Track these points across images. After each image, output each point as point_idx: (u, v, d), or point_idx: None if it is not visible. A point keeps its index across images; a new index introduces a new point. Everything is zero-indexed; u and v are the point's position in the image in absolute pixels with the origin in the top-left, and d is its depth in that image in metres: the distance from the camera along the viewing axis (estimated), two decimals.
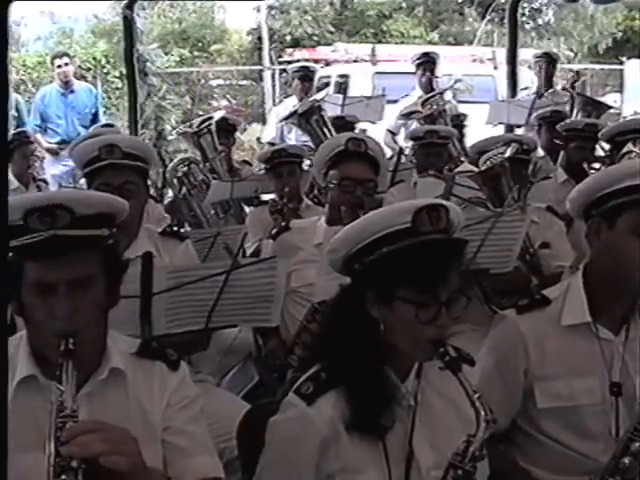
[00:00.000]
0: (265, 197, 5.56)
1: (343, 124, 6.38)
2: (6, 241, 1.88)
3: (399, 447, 2.08)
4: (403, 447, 2.08)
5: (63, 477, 1.78)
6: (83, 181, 6.02)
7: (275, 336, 3.64)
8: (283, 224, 3.93)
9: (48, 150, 8.18)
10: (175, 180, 6.14)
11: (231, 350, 3.82)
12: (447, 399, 2.16)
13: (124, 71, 12.41)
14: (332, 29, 17.87)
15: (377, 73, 12.76)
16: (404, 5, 18.81)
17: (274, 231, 3.90)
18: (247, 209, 5.89)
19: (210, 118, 6.83)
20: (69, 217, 1.97)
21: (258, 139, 12.05)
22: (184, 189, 6.14)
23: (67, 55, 8.55)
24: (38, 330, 2.04)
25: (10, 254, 2.00)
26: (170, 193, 6.32)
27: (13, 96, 8.66)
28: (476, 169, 4.35)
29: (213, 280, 2.80)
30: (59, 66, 8.32)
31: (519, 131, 7.43)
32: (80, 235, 1.98)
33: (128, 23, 7.94)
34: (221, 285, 2.80)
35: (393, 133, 7.82)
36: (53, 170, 8.01)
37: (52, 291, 1.98)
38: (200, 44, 16.59)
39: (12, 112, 8.21)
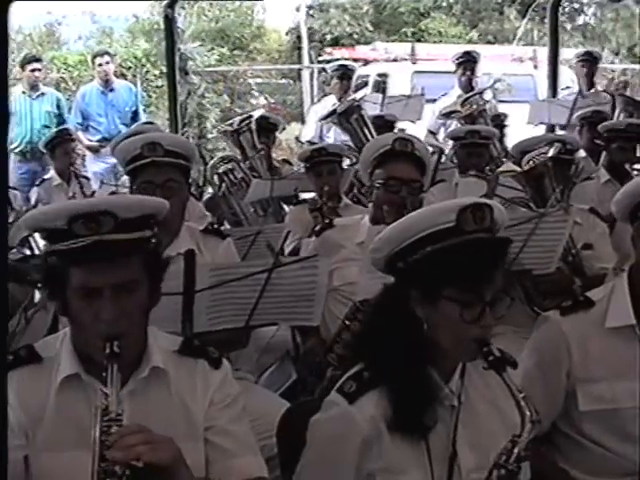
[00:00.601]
0: (304, 196, 5.57)
1: (382, 123, 6.38)
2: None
3: (441, 448, 2.06)
4: (445, 448, 2.07)
5: None
6: (124, 178, 6.11)
7: (314, 334, 3.63)
8: (327, 221, 3.92)
9: (89, 148, 8.26)
10: (215, 178, 6.17)
11: (269, 348, 3.82)
12: (490, 401, 2.15)
13: (164, 70, 12.53)
14: (371, 28, 17.84)
15: (416, 72, 12.69)
16: (443, 4, 18.72)
17: (317, 228, 3.89)
18: (286, 208, 5.90)
19: (250, 117, 6.86)
20: (113, 222, 1.98)
21: (296, 138, 12.06)
22: (224, 187, 6.18)
23: (108, 54, 8.61)
24: (83, 331, 2.06)
25: (54, 257, 2.03)
26: (210, 191, 6.35)
27: (54, 94, 8.74)
28: (519, 169, 4.32)
29: (255, 278, 2.80)
30: (100, 64, 8.39)
31: (560, 131, 7.36)
32: (124, 239, 1.99)
33: (169, 22, 7.99)
34: (263, 283, 2.80)
35: (433, 133, 7.79)
36: (94, 167, 8.08)
37: (97, 295, 1.99)
38: (239, 43, 16.64)
39: (53, 110, 8.30)
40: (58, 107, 8.39)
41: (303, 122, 13.21)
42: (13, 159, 8.16)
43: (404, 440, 2.03)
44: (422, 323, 2.04)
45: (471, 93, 7.31)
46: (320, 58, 15.67)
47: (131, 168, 3.28)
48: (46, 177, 6.76)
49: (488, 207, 2.05)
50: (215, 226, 4.10)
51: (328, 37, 17.15)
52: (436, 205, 2.16)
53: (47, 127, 8.09)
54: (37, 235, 5.47)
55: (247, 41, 16.94)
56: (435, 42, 17.39)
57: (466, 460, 2.08)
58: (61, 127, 7.12)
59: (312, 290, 2.90)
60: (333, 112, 6.62)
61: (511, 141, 6.05)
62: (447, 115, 7.38)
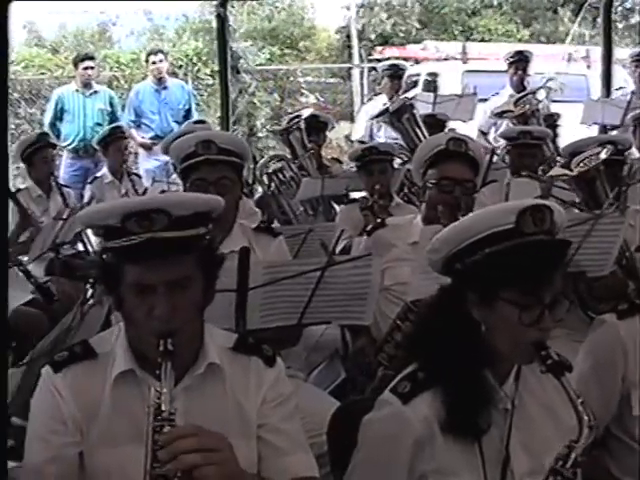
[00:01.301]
0: (354, 195, 5.57)
1: (434, 122, 6.36)
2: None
3: (494, 451, 2.05)
4: (498, 452, 2.05)
5: None
6: (175, 176, 6.16)
7: (364, 334, 3.63)
8: (379, 220, 3.92)
9: (142, 145, 8.35)
10: (265, 177, 6.20)
11: (318, 346, 3.83)
12: (544, 405, 2.13)
13: (215, 68, 12.61)
14: (419, 26, 17.76)
15: (467, 71, 12.61)
16: (494, 2, 18.56)
17: (369, 227, 3.89)
18: (336, 207, 5.91)
19: (299, 116, 6.87)
20: (166, 220, 1.98)
21: (346, 137, 12.06)
22: (273, 185, 6.20)
23: (161, 52, 8.69)
24: (137, 328, 2.07)
25: (109, 254, 2.05)
26: (259, 190, 6.37)
27: (107, 92, 8.83)
28: (569, 172, 4.27)
29: (308, 276, 2.80)
30: (153, 62, 8.47)
31: (613, 131, 7.26)
32: (178, 237, 1.99)
33: (221, 21, 8.03)
34: (316, 281, 2.80)
35: (484, 132, 7.74)
36: (146, 165, 8.17)
37: (151, 292, 2.00)
38: (289, 42, 16.69)
39: (106, 107, 8.39)
40: (111, 105, 8.49)
41: (353, 121, 13.22)
42: (65, 156, 8.27)
43: (457, 442, 2.01)
44: (479, 325, 2.02)
45: (523, 93, 7.24)
46: (370, 57, 15.64)
47: (185, 166, 3.29)
48: (98, 175, 6.84)
49: (548, 209, 2.03)
50: (267, 224, 4.10)
51: (377, 36, 17.11)
52: (496, 206, 2.14)
53: (100, 125, 8.19)
54: (89, 231, 5.57)
55: (297, 40, 16.97)
56: (484, 40, 17.25)
57: (519, 464, 2.06)
58: (114, 125, 7.19)
59: (365, 289, 2.89)
60: (385, 111, 6.62)
61: (564, 141, 5.99)
62: (499, 115, 7.31)
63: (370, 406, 2.16)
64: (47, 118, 8.55)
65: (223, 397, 2.15)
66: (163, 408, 1.87)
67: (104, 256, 2.06)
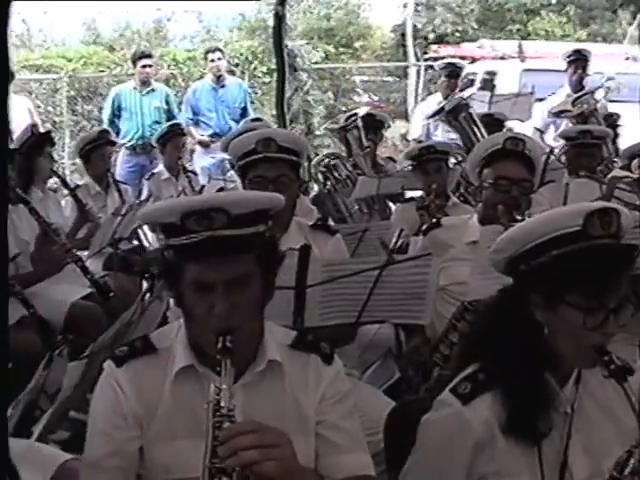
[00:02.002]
0: (410, 194, 5.55)
1: (492, 121, 6.31)
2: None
3: (554, 455, 2.02)
4: (558, 455, 2.02)
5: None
6: (231, 173, 6.20)
7: (419, 333, 3.61)
8: (434, 220, 3.90)
9: (200, 142, 8.41)
10: (320, 175, 6.21)
11: (371, 345, 3.82)
12: (605, 409, 2.10)
13: (271, 66, 12.65)
14: (475, 26, 17.63)
15: (524, 70, 12.47)
16: (552, 1, 18.34)
17: (425, 227, 3.87)
18: (392, 205, 5.90)
19: (356, 114, 6.88)
20: (225, 218, 1.98)
21: (401, 136, 12.01)
22: (329, 184, 6.22)
23: (220, 50, 8.73)
24: (196, 325, 2.08)
25: (170, 251, 2.05)
26: (315, 187, 6.39)
27: (164, 89, 8.90)
28: (631, 174, 4.21)
29: (367, 275, 2.80)
30: (212, 60, 8.52)
31: None
32: (237, 235, 1.99)
33: (278, 19, 8.05)
34: (374, 280, 2.80)
35: (541, 132, 7.66)
36: (202, 162, 8.22)
37: (210, 289, 2.00)
38: (344, 40, 16.67)
39: (163, 105, 8.46)
40: (168, 103, 8.55)
41: (408, 120, 13.16)
42: (122, 153, 8.36)
43: (517, 445, 2.00)
44: (542, 327, 2.00)
45: (582, 92, 7.16)
46: (426, 56, 15.56)
47: (244, 163, 3.31)
48: (155, 171, 6.90)
49: (615, 212, 2.00)
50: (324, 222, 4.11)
51: (433, 35, 17.02)
52: (563, 208, 2.13)
53: (157, 123, 8.27)
54: (146, 227, 5.64)
55: (353, 39, 16.96)
56: (544, 39, 17.04)
57: (579, 468, 2.03)
58: (172, 122, 7.25)
59: (423, 289, 2.88)
60: (441, 110, 6.60)
61: (624, 141, 5.91)
62: (557, 114, 7.24)
63: (427, 406, 2.15)
64: (105, 115, 8.66)
65: (282, 394, 2.15)
66: (222, 404, 1.88)
67: (165, 253, 2.07)
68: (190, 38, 15.96)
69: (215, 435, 1.84)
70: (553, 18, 18.21)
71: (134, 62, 8.65)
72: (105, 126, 8.08)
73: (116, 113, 8.45)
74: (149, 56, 8.64)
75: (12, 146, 4.81)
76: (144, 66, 8.40)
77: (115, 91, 8.71)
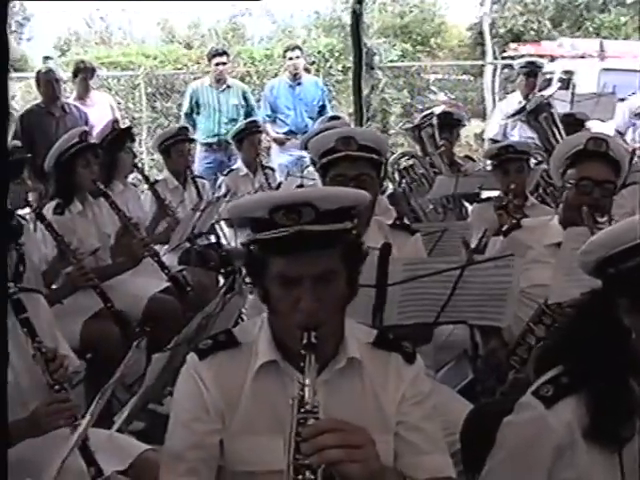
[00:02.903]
0: (487, 194, 5.50)
1: (573, 121, 6.22)
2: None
3: (633, 463, 1.98)
4: (635, 462, 1.99)
5: (306, 475, 1.81)
6: (308, 170, 6.22)
7: (496, 335, 3.57)
8: (514, 221, 3.85)
9: (275, 140, 8.46)
10: (396, 173, 6.19)
11: (445, 346, 3.80)
12: None
13: (347, 65, 12.65)
14: (550, 24, 17.35)
15: (603, 70, 12.24)
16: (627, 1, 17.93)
17: (505, 227, 3.83)
18: (467, 205, 5.85)
19: (432, 112, 6.84)
20: (314, 213, 1.99)
21: (477, 135, 11.89)
22: (404, 183, 6.20)
23: (298, 48, 8.76)
24: (281, 319, 2.09)
25: (256, 246, 2.07)
26: (390, 186, 6.37)
27: (240, 86, 8.95)
28: None
29: (447, 275, 2.78)
30: (290, 58, 8.57)
31: None
32: (324, 230, 1.99)
33: (356, 17, 8.04)
34: (455, 280, 2.78)
35: (621, 133, 7.51)
36: (279, 159, 8.27)
37: (296, 284, 2.01)
38: (420, 38, 16.59)
39: (240, 102, 8.53)
40: (245, 100, 8.61)
41: (484, 119, 13.03)
42: (199, 149, 8.46)
43: (598, 451, 1.96)
44: (629, 332, 1.96)
45: None
46: (504, 54, 15.37)
47: (324, 161, 3.32)
48: (233, 167, 6.96)
49: None
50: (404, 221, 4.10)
51: (508, 33, 16.81)
52: None
53: (234, 120, 8.34)
54: (223, 223, 5.70)
55: (428, 37, 16.87)
56: (618, 38, 16.68)
57: None
58: (250, 119, 7.30)
59: (504, 290, 2.85)
60: (522, 109, 6.51)
61: None
62: (639, 115, 7.10)
63: (506, 409, 2.13)
64: (184, 111, 8.76)
65: (362, 392, 2.15)
66: (306, 401, 1.88)
67: (251, 247, 2.08)
68: (267, 39, 16.06)
69: (298, 431, 1.84)
70: (624, 15, 17.78)
71: (209, 60, 8.74)
72: (182, 122, 8.19)
73: (194, 109, 8.54)
74: (224, 54, 8.70)
75: (94, 141, 4.91)
76: (218, 64, 8.47)
77: (192, 87, 8.80)
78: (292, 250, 1.99)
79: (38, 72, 7.65)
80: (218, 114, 8.46)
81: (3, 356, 1.56)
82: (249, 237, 2.10)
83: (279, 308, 2.07)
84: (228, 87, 8.57)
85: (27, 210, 4.39)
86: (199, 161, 8.34)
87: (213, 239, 5.98)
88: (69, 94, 8.47)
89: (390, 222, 3.50)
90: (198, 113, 8.53)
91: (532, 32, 16.96)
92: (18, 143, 4.64)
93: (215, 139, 8.41)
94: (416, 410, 2.18)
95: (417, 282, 2.77)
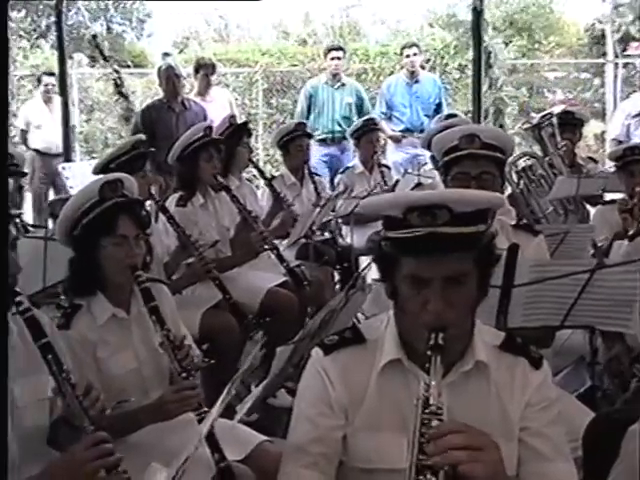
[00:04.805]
0: (610, 196, 5.36)
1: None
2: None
3: None
4: None
5: (427, 476, 1.80)
6: (425, 168, 6.19)
7: (619, 341, 3.49)
8: None
9: (391, 137, 8.44)
10: (514, 174, 6.10)
11: (562, 351, 3.74)
12: None
13: (462, 62, 12.54)
14: None
15: None
16: None
17: (631, 232, 3.73)
18: (589, 207, 5.73)
19: (551, 112, 6.70)
20: (448, 215, 1.97)
21: (596, 135, 11.60)
22: (522, 183, 6.09)
23: (416, 45, 8.71)
24: (408, 318, 2.08)
25: (388, 243, 2.06)
26: (508, 187, 6.27)
27: (355, 84, 8.95)
28: None
29: (575, 278, 2.73)
30: (407, 56, 8.53)
31: None
32: (458, 233, 1.97)
33: (477, 14, 7.96)
34: (583, 284, 2.72)
35: None
36: (394, 157, 8.25)
37: (426, 284, 2.00)
38: (537, 36, 16.30)
39: (354, 100, 8.54)
40: (359, 98, 8.62)
41: (603, 119, 12.70)
42: (313, 144, 8.51)
43: None
44: None
45: None
46: (625, 52, 14.94)
47: (447, 159, 3.30)
48: (349, 165, 6.97)
49: None
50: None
51: (626, 32, 16.33)
52: None
53: (347, 118, 8.37)
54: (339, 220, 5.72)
55: (546, 34, 16.54)
56: None
57: None
58: (368, 116, 7.29)
59: (633, 296, 2.77)
60: None
61: None
62: None
63: (631, 417, 2.07)
64: (299, 108, 8.83)
65: (487, 396, 2.13)
66: (431, 401, 1.88)
67: (382, 244, 2.09)
68: (385, 37, 16.03)
69: (422, 432, 1.84)
70: None
71: (325, 55, 8.79)
72: (296, 119, 8.25)
73: (309, 106, 8.60)
74: (339, 49, 8.74)
75: (214, 136, 4.99)
76: (333, 58, 8.50)
77: (309, 84, 8.87)
78: (424, 251, 1.98)
79: (159, 68, 7.83)
80: (332, 111, 8.50)
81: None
82: (381, 234, 2.10)
83: (407, 307, 2.06)
84: (343, 85, 8.60)
85: (149, 202, 4.50)
86: (313, 157, 8.38)
87: (328, 235, 6.02)
88: (187, 90, 8.66)
89: (513, 222, 3.45)
90: (312, 110, 8.58)
91: None
92: (143, 137, 4.74)
93: (329, 135, 8.44)
94: (541, 416, 2.14)
95: (543, 284, 2.73)
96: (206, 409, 2.72)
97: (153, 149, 4.82)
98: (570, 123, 6.33)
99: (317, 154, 8.36)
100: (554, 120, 6.41)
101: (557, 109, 7.00)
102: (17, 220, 4.43)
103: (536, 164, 6.23)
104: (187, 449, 2.03)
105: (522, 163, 6.33)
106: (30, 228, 4.76)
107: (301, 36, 15.92)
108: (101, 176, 3.14)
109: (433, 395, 1.88)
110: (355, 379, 2.15)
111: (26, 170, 5.99)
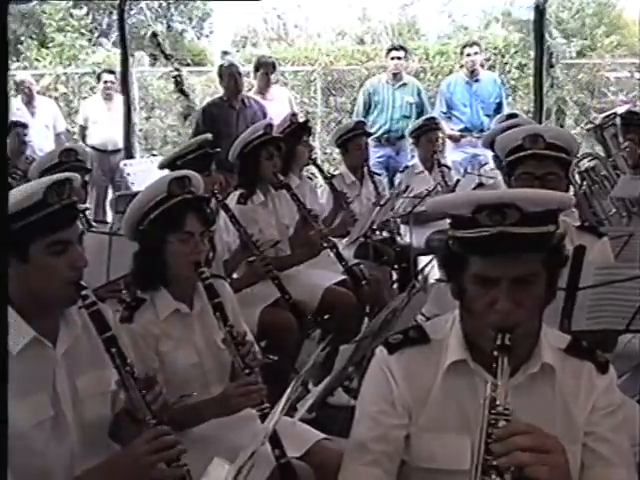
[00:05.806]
0: None
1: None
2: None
3: None
4: None
5: (492, 477, 1.80)
6: (485, 168, 6.14)
7: None
8: None
9: (450, 137, 8.39)
10: (577, 175, 6.02)
11: (622, 355, 3.67)
12: None
13: (523, 61, 12.39)
14: None
15: None
16: None
17: None
18: None
19: (614, 112, 6.62)
20: (518, 215, 1.96)
21: None
22: (585, 185, 6.02)
23: (477, 44, 8.63)
24: (475, 318, 2.07)
25: (455, 242, 2.05)
26: (571, 189, 6.20)
27: (415, 84, 8.89)
28: None
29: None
30: (468, 55, 8.47)
31: None
32: (528, 233, 1.96)
33: (539, 13, 7.89)
34: None
35: None
36: (454, 156, 8.20)
37: (494, 284, 1.99)
38: (598, 35, 16.04)
39: (414, 99, 8.51)
40: (419, 97, 8.59)
41: None
42: (370, 144, 8.49)
43: None
44: None
45: None
46: None
47: (511, 159, 3.27)
48: (409, 164, 6.96)
49: None
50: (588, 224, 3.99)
51: None
52: None
53: (406, 117, 8.34)
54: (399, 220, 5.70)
55: (607, 34, 16.27)
56: None
57: None
58: (428, 116, 7.26)
59: None
60: None
61: None
62: None
63: None
64: (357, 107, 8.82)
65: (552, 399, 2.12)
66: (498, 402, 1.87)
67: (450, 243, 2.08)
68: (445, 35, 15.92)
69: (489, 432, 1.84)
70: None
71: (386, 54, 8.77)
72: (354, 117, 8.25)
73: (368, 105, 8.59)
74: (400, 49, 8.72)
75: (275, 134, 5.01)
76: (393, 58, 8.48)
77: (369, 84, 8.86)
78: (493, 251, 1.98)
79: (221, 66, 7.89)
80: (391, 110, 8.48)
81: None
82: (448, 233, 2.09)
83: (474, 307, 2.05)
84: (404, 84, 8.57)
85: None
86: (370, 156, 8.37)
87: (386, 235, 6.01)
88: (246, 89, 8.71)
89: (577, 224, 3.41)
90: (371, 109, 8.56)
91: None
92: (209, 136, 4.79)
93: (385, 135, 8.43)
94: (606, 421, 2.12)
95: (608, 287, 2.69)
96: (268, 405, 2.74)
97: (219, 149, 4.85)
98: (634, 124, 6.23)
99: (373, 155, 8.33)
100: (617, 120, 6.33)
101: (621, 109, 6.90)
102: (82, 215, 4.49)
103: (599, 165, 6.16)
104: (254, 443, 2.05)
105: (585, 164, 6.26)
106: (93, 223, 4.83)
107: (359, 35, 15.88)
108: (167, 172, 3.18)
109: (500, 396, 1.88)
110: (419, 379, 2.15)
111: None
